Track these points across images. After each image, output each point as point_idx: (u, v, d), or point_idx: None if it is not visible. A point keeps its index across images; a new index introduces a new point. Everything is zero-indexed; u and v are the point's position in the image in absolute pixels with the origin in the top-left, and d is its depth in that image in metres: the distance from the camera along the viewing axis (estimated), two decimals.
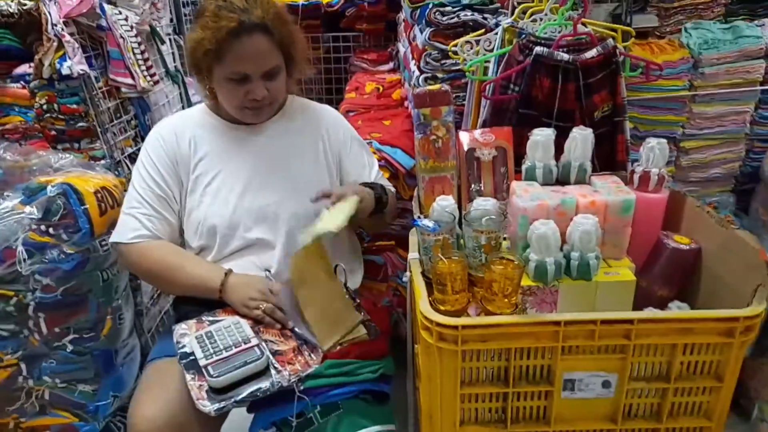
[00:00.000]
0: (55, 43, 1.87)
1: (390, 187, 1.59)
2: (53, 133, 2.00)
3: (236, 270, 1.37)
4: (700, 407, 1.06)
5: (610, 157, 1.53)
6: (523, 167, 1.25)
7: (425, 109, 1.22)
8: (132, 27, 2.24)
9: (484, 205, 1.18)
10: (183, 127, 1.43)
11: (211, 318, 1.30)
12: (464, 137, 1.29)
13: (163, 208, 1.39)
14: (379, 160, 1.80)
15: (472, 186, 1.29)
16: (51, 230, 1.74)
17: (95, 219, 1.78)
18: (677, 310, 1.17)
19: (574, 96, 1.46)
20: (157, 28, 2.56)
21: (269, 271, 1.36)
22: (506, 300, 1.04)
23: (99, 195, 1.82)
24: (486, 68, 1.59)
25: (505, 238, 1.25)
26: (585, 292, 1.11)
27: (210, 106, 1.46)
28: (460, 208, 1.30)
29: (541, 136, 1.21)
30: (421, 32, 1.80)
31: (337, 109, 2.50)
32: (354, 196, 1.27)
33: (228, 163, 1.41)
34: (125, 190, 1.67)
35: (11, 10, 1.87)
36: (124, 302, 1.91)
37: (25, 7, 1.87)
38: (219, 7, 1.27)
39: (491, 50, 1.56)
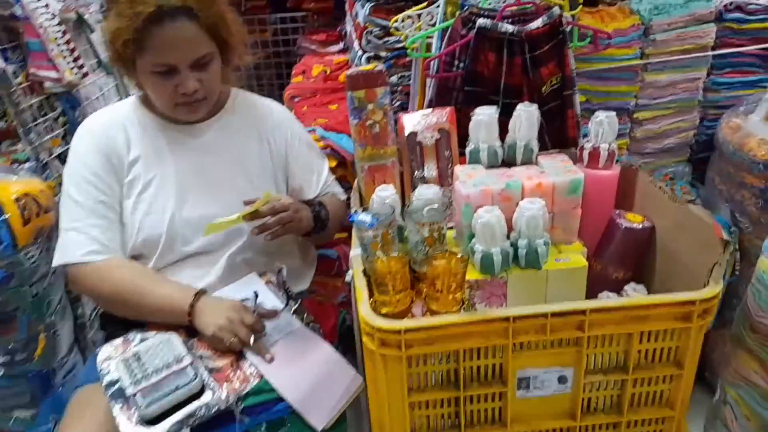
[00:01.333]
0: None
1: (340, 194, 1.48)
2: None
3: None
4: (661, 396, 1.01)
5: (561, 134, 1.46)
6: (467, 150, 1.17)
7: (359, 92, 1.12)
8: (54, 15, 2.07)
9: (426, 193, 1.10)
10: (114, 124, 1.28)
11: (140, 335, 1.18)
12: (405, 120, 1.20)
13: (111, 212, 1.23)
14: (324, 148, 1.70)
15: (416, 173, 1.21)
16: None
17: (18, 229, 1.64)
18: (633, 293, 1.12)
19: (521, 70, 1.38)
20: (85, 16, 2.38)
21: (256, 294, 1.22)
22: (451, 297, 0.96)
23: (21, 202, 1.67)
24: (429, 45, 1.50)
25: (450, 227, 1.18)
26: (535, 281, 1.04)
27: (142, 99, 1.32)
28: (404, 197, 1.22)
29: (484, 116, 1.13)
30: (362, 7, 1.69)
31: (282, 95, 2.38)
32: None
33: (164, 166, 1.28)
34: (55, 195, 1.52)
35: None
36: (59, 317, 1.77)
37: None
38: None
39: (434, 24, 1.46)
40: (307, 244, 1.50)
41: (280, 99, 3.32)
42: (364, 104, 1.12)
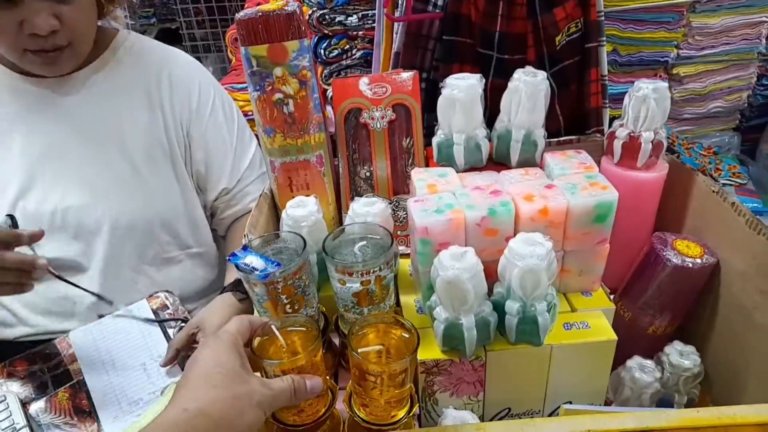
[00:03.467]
0: None
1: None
2: None
3: (36, 303, 0.92)
4: None
5: (578, 103, 1.03)
6: (434, 142, 0.75)
7: (258, 48, 0.69)
8: None
9: (365, 212, 0.69)
10: None
11: None
12: (341, 89, 0.78)
13: None
14: None
15: (358, 171, 0.79)
16: None
17: None
18: (678, 360, 0.73)
19: (525, 12, 0.94)
20: None
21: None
22: (393, 394, 0.58)
23: None
24: None
25: (406, 255, 0.78)
26: (531, 361, 0.65)
27: None
28: (340, 212, 0.82)
29: (459, 89, 0.70)
30: None
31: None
32: None
33: (9, 136, 0.91)
34: None
35: None
36: None
37: None
38: None
39: None
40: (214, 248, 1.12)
41: None
42: (269, 67, 0.69)
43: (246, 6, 1.99)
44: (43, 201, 0.91)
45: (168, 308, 0.96)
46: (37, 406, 0.82)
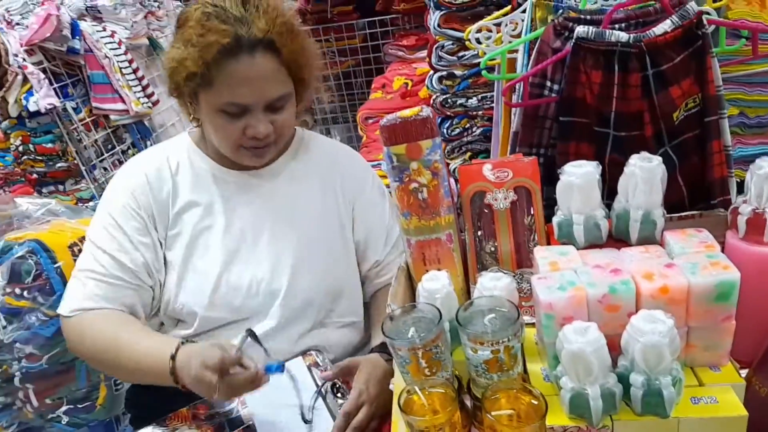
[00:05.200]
0: (20, 77, 1.64)
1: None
2: (34, 176, 1.79)
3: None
4: None
5: (701, 175, 1.05)
6: (555, 221, 0.83)
7: (398, 147, 0.82)
8: (120, 43, 1.98)
9: (492, 286, 0.77)
10: (159, 168, 1.10)
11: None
12: (466, 176, 0.88)
13: (122, 272, 1.05)
14: None
15: (483, 247, 0.88)
16: (26, 293, 1.57)
17: (70, 277, 1.57)
18: None
19: (641, 92, 1.00)
20: (159, 39, 2.29)
21: (249, 335, 1.00)
22: None
23: (75, 249, 1.61)
24: (513, 62, 1.15)
25: (532, 324, 0.84)
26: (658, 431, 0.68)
27: (195, 139, 1.14)
28: (468, 281, 0.91)
29: (577, 176, 0.78)
30: (432, 14, 1.38)
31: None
32: None
33: (215, 218, 1.09)
34: None
35: None
36: None
37: None
38: (207, 15, 0.95)
39: (518, 36, 1.12)
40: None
41: None
42: (406, 162, 0.82)
43: (373, 88, 2.21)
44: (241, 275, 1.07)
45: (319, 366, 1.08)
46: None
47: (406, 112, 0.81)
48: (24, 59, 1.64)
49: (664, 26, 0.95)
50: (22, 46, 1.64)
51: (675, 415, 0.68)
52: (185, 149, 1.13)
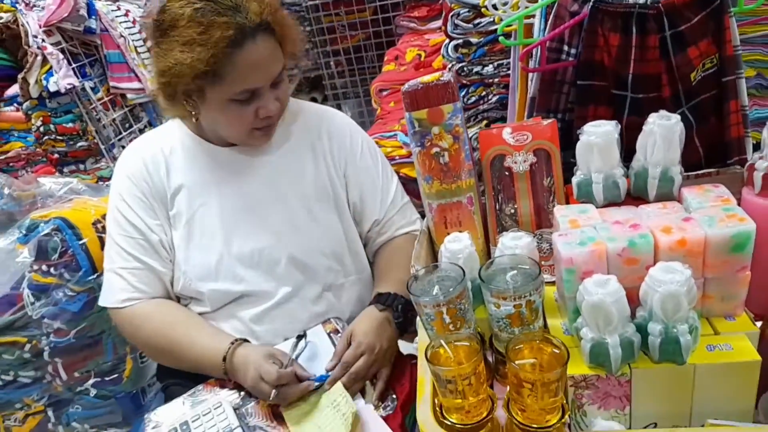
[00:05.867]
0: (39, 57, 1.66)
1: (413, 228, 1.24)
2: (55, 156, 1.83)
3: (233, 331, 1.13)
4: None
5: (718, 135, 1.06)
6: (574, 182, 0.85)
7: (420, 112, 0.84)
8: (135, 22, 2.00)
9: (513, 245, 0.80)
10: (153, 154, 1.14)
11: (191, 399, 1.07)
12: (487, 139, 0.90)
13: (149, 256, 1.12)
14: (407, 156, 1.44)
15: (503, 209, 0.91)
16: (52, 270, 1.62)
17: (95, 253, 1.61)
18: None
19: (658, 54, 1.00)
20: None
21: (301, 338, 1.09)
22: (548, 403, 0.67)
23: (99, 225, 1.65)
24: (530, 27, 1.16)
25: (552, 283, 0.87)
26: (675, 380, 0.71)
27: (190, 127, 1.16)
28: (488, 243, 0.93)
29: (596, 135, 0.79)
30: None
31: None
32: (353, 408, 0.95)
33: (210, 195, 1.13)
34: None
35: None
36: None
37: (2, 21, 1.68)
38: (200, 12, 0.94)
39: (535, 1, 1.12)
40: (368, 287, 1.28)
41: None
42: (428, 127, 0.84)
43: (386, 60, 2.21)
44: (242, 246, 1.12)
45: (339, 332, 1.12)
46: (244, 410, 1.02)
47: (427, 78, 0.83)
48: (43, 40, 1.66)
49: None
50: (40, 27, 1.67)
51: (691, 362, 0.70)
52: (179, 133, 1.15)
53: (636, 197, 0.85)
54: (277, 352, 1.02)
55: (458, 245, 0.82)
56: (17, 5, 1.68)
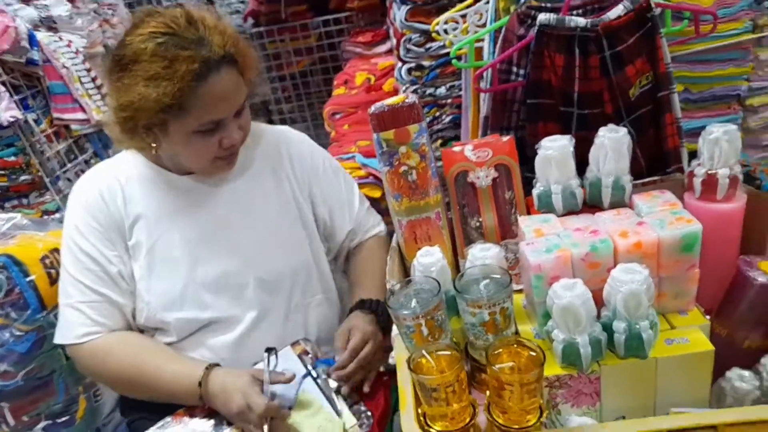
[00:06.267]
0: None
1: (379, 230, 1.30)
2: None
3: (200, 356, 1.10)
4: None
5: (657, 145, 1.15)
6: (534, 193, 0.90)
7: (387, 133, 0.88)
8: (77, 52, 1.95)
9: (483, 256, 0.84)
10: (109, 184, 1.12)
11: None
12: (450, 157, 0.94)
13: (108, 288, 1.09)
14: (365, 177, 1.47)
15: (469, 222, 0.95)
16: None
17: (44, 290, 1.54)
18: None
19: (600, 72, 1.08)
20: None
21: (270, 351, 1.06)
22: (524, 405, 0.71)
23: (47, 261, 1.58)
24: (480, 50, 1.22)
25: (519, 290, 0.91)
26: (639, 373, 0.77)
27: (147, 155, 1.13)
28: (456, 255, 0.97)
29: (554, 149, 0.85)
30: (398, 10, 1.43)
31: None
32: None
33: (171, 223, 1.12)
34: None
35: None
36: None
37: None
38: (164, 46, 0.94)
39: (484, 26, 1.19)
40: (338, 293, 1.29)
41: None
42: (395, 147, 0.88)
43: (335, 85, 2.25)
44: (208, 272, 1.11)
45: (308, 353, 1.13)
46: None
47: (393, 100, 0.87)
48: None
49: (618, 11, 1.04)
50: None
51: (653, 356, 0.76)
52: (133, 163, 1.14)
53: (591, 205, 0.91)
54: (257, 373, 1.01)
55: (430, 259, 0.85)
56: None
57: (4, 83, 1.67)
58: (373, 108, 0.87)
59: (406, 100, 0.87)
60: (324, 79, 3.15)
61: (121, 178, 1.12)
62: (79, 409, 1.64)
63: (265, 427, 0.94)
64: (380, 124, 0.87)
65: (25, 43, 1.70)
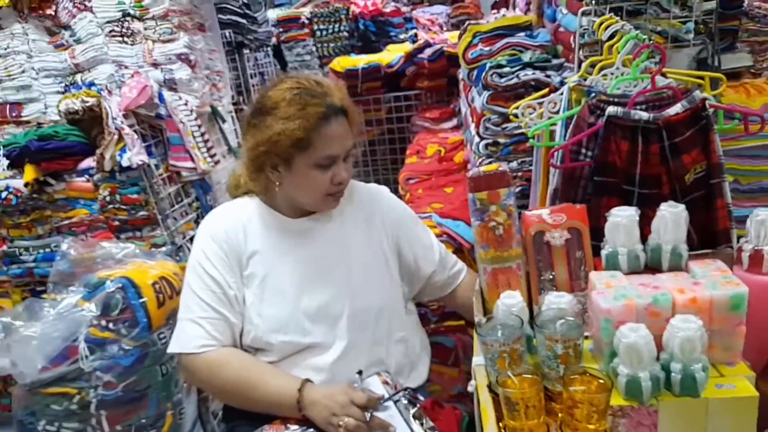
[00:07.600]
0: (116, 136, 1.90)
1: (457, 265, 1.49)
2: (116, 223, 2.02)
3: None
4: None
5: (709, 226, 1.30)
6: (603, 254, 1.07)
7: (481, 194, 1.07)
8: (192, 110, 2.27)
9: (558, 302, 1.00)
10: (234, 222, 1.36)
11: None
12: (530, 218, 1.13)
13: (225, 308, 1.30)
14: (440, 236, 1.66)
15: (543, 275, 1.11)
16: (111, 325, 1.74)
17: (153, 312, 1.76)
18: None
19: (659, 159, 1.26)
20: (219, 108, 2.59)
21: (360, 374, 1.26)
22: (593, 427, 0.85)
23: (157, 286, 1.80)
24: (552, 132, 1.43)
25: (586, 337, 1.06)
26: (692, 411, 0.90)
27: (264, 200, 1.39)
28: (530, 300, 1.13)
29: (622, 217, 1.03)
30: (479, 95, 1.67)
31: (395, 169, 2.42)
32: None
33: (282, 258, 1.33)
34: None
35: (75, 108, 1.93)
36: (184, 395, 1.85)
37: (87, 104, 1.93)
38: (299, 95, 1.23)
39: (557, 112, 1.40)
40: (422, 331, 1.47)
41: (392, 173, 3.37)
42: (487, 206, 1.07)
43: (408, 154, 2.50)
44: (310, 302, 1.31)
45: (389, 384, 1.28)
46: None
47: (489, 167, 1.07)
48: (122, 122, 1.90)
49: (676, 108, 1.23)
50: (120, 111, 1.92)
51: (704, 396, 0.89)
52: (256, 207, 1.38)
53: (652, 268, 1.06)
54: (347, 388, 1.19)
55: (513, 300, 1.02)
56: (102, 92, 1.94)
57: (135, 132, 1.97)
58: (471, 172, 1.08)
59: (499, 168, 1.07)
60: (389, 148, 3.44)
61: (242, 218, 1.35)
62: (166, 424, 1.80)
63: (367, 414, 1.10)
64: (476, 186, 1.07)
65: (156, 100, 2.01)
